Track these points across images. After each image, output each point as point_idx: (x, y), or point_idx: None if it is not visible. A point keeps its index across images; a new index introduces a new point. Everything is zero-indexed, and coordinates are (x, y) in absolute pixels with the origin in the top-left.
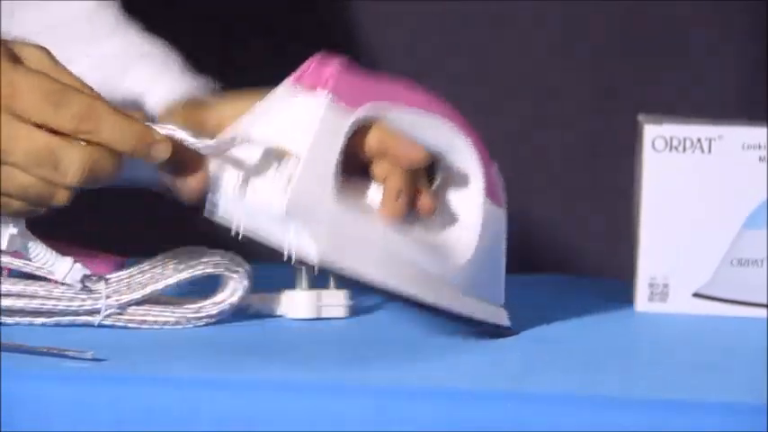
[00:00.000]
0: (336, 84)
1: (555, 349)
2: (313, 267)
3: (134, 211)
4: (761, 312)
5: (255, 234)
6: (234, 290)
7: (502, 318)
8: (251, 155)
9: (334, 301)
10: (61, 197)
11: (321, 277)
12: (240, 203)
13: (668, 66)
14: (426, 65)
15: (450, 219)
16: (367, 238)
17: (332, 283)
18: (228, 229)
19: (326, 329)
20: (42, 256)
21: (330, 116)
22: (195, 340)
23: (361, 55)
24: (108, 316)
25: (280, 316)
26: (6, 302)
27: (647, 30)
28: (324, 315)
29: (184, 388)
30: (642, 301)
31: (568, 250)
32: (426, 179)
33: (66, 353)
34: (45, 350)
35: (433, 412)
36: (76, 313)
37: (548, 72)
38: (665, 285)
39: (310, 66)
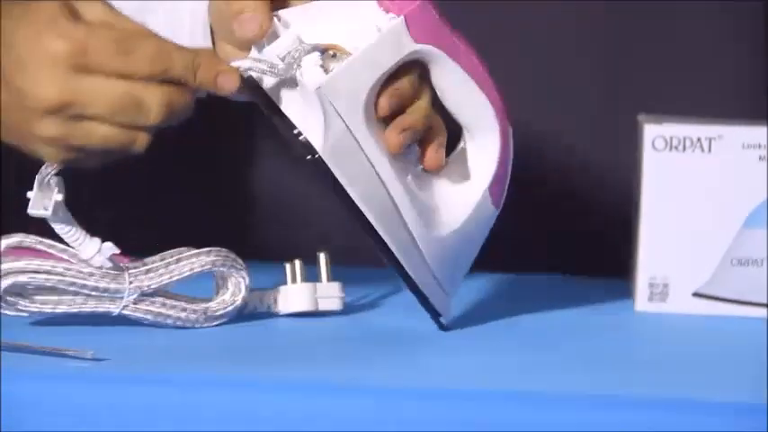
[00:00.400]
0: (414, 15)
1: (555, 349)
2: (303, 264)
3: (130, 212)
4: (761, 312)
5: (279, 106)
6: (238, 287)
7: (445, 307)
8: (309, 40)
9: (330, 293)
10: (141, 141)
11: (312, 272)
12: (280, 72)
13: (668, 65)
14: None
15: (445, 192)
16: (368, 161)
17: (324, 276)
18: (223, 231)
19: (325, 328)
20: (75, 232)
21: (394, 37)
22: (195, 340)
23: None
24: (126, 306)
25: (276, 313)
26: (36, 279)
27: (647, 29)
28: (321, 308)
29: (185, 388)
30: (642, 301)
31: (568, 250)
32: (445, 138)
33: (67, 353)
34: (45, 350)
35: (432, 412)
36: (101, 293)
37: (547, 71)
38: (665, 285)
39: None
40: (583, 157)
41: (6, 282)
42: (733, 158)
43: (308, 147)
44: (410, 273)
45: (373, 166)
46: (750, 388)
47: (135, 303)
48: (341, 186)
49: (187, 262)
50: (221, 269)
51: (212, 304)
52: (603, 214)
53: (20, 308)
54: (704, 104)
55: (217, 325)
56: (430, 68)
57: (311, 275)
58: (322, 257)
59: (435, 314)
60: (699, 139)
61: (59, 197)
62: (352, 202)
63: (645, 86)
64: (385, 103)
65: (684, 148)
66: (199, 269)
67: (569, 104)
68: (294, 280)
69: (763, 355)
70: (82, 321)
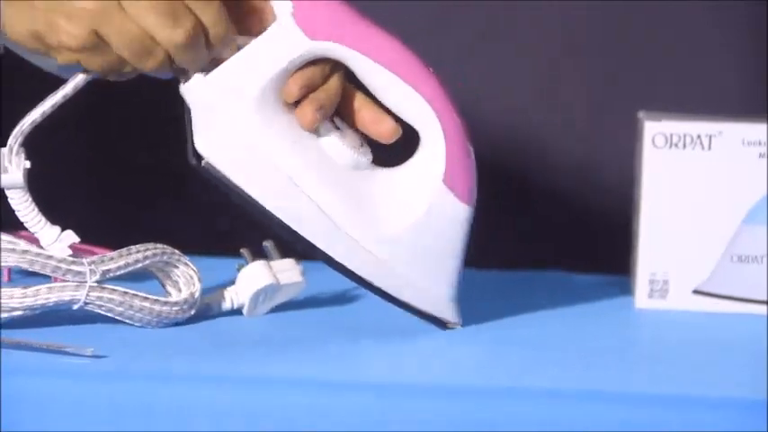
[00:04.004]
0: (306, 11)
1: (555, 345)
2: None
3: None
4: (761, 309)
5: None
6: (191, 280)
7: (444, 310)
8: None
9: (286, 267)
10: (156, 59)
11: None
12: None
13: (668, 63)
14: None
15: (403, 189)
16: (277, 166)
17: (275, 255)
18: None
19: (311, 322)
20: (36, 215)
21: (281, 34)
22: (192, 337)
23: None
24: (90, 293)
25: (241, 306)
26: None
27: (646, 27)
28: (282, 282)
29: (183, 384)
30: (642, 298)
31: (568, 247)
32: (370, 104)
33: (66, 349)
34: (45, 347)
35: (430, 409)
36: (63, 275)
37: (547, 70)
38: (665, 282)
39: None
40: (583, 155)
41: None
42: (733, 155)
43: (195, 152)
44: (361, 274)
45: (284, 168)
46: (750, 384)
47: (99, 291)
48: (242, 192)
49: (142, 255)
50: (169, 263)
51: (174, 298)
52: (604, 211)
53: None
54: (704, 101)
55: (184, 319)
56: (346, 65)
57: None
58: (269, 245)
59: (427, 317)
60: (699, 136)
61: (27, 164)
62: (263, 208)
63: (645, 83)
64: (293, 88)
65: (684, 145)
66: (150, 260)
67: (570, 102)
68: (249, 260)
69: (762, 351)
70: (82, 320)
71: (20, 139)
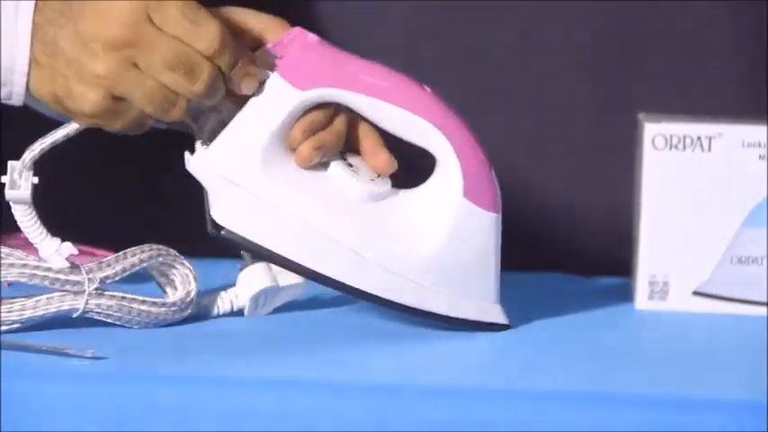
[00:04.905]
0: (290, 65)
1: (555, 347)
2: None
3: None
4: (761, 310)
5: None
6: (186, 279)
7: (493, 314)
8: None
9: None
10: (179, 108)
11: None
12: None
13: (668, 64)
14: (425, 64)
15: (426, 210)
16: (295, 217)
17: None
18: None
19: (312, 323)
20: (38, 227)
21: (272, 94)
22: (192, 339)
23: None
24: (89, 300)
25: (242, 308)
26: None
27: (647, 29)
28: (283, 283)
29: (184, 385)
30: (642, 299)
31: (568, 248)
32: (378, 138)
33: (67, 351)
34: (45, 348)
35: (432, 410)
36: (62, 286)
37: (548, 71)
38: (665, 283)
39: (285, 37)
40: (583, 155)
41: None
42: (733, 157)
43: (214, 223)
44: (407, 304)
45: (304, 216)
46: (750, 386)
47: (97, 299)
48: (268, 251)
49: (138, 258)
50: (165, 263)
51: (170, 298)
52: (604, 212)
53: None
54: (704, 103)
55: (182, 318)
56: (343, 105)
57: None
58: None
59: (479, 327)
60: (699, 138)
61: (35, 180)
62: (294, 263)
63: (645, 84)
64: (297, 135)
65: (684, 147)
66: (147, 262)
67: (570, 102)
68: (248, 262)
69: (762, 353)
70: (81, 321)
71: (34, 155)
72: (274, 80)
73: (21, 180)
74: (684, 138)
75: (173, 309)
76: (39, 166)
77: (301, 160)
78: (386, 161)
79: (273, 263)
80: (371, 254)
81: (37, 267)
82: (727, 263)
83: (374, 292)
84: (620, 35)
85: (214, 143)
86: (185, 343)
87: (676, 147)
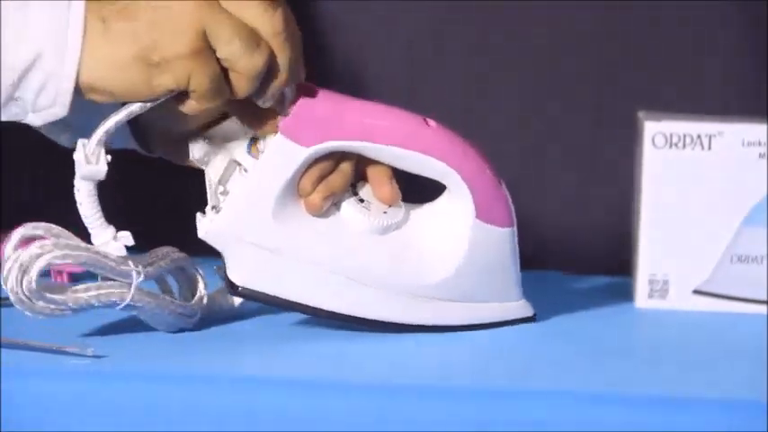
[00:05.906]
0: (290, 126)
1: (555, 345)
2: None
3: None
4: (761, 309)
5: None
6: (198, 282)
7: (517, 311)
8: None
9: None
10: (263, 54)
11: None
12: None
13: (668, 63)
14: (425, 64)
15: (441, 234)
16: (313, 264)
17: None
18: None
19: (311, 322)
20: (97, 212)
21: (277, 155)
22: (192, 337)
23: (358, 56)
24: (134, 297)
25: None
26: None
27: (646, 27)
28: None
29: (183, 384)
30: (642, 298)
31: (569, 247)
32: (387, 170)
33: (67, 349)
34: (45, 346)
35: (429, 409)
36: (115, 276)
37: (548, 70)
38: (665, 282)
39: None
40: (583, 155)
41: (41, 262)
42: (733, 156)
43: (230, 283)
44: (439, 323)
45: (322, 262)
46: (750, 385)
47: (139, 293)
48: (287, 302)
49: (170, 258)
50: (182, 269)
51: (189, 303)
52: (604, 211)
53: (37, 309)
54: (704, 101)
55: (200, 319)
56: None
57: None
58: None
59: (510, 323)
60: (699, 137)
61: (108, 158)
62: (313, 308)
63: (645, 83)
64: (306, 186)
65: (684, 146)
66: (170, 265)
67: (570, 101)
68: None
69: (762, 352)
70: (81, 319)
71: (110, 129)
72: (279, 139)
73: (92, 157)
74: (684, 136)
75: (190, 312)
76: (45, 168)
77: (312, 209)
78: (390, 194)
79: (299, 312)
80: (394, 285)
81: (96, 253)
82: (728, 262)
83: (402, 321)
84: (620, 34)
85: (224, 207)
86: (185, 342)
87: (676, 145)
